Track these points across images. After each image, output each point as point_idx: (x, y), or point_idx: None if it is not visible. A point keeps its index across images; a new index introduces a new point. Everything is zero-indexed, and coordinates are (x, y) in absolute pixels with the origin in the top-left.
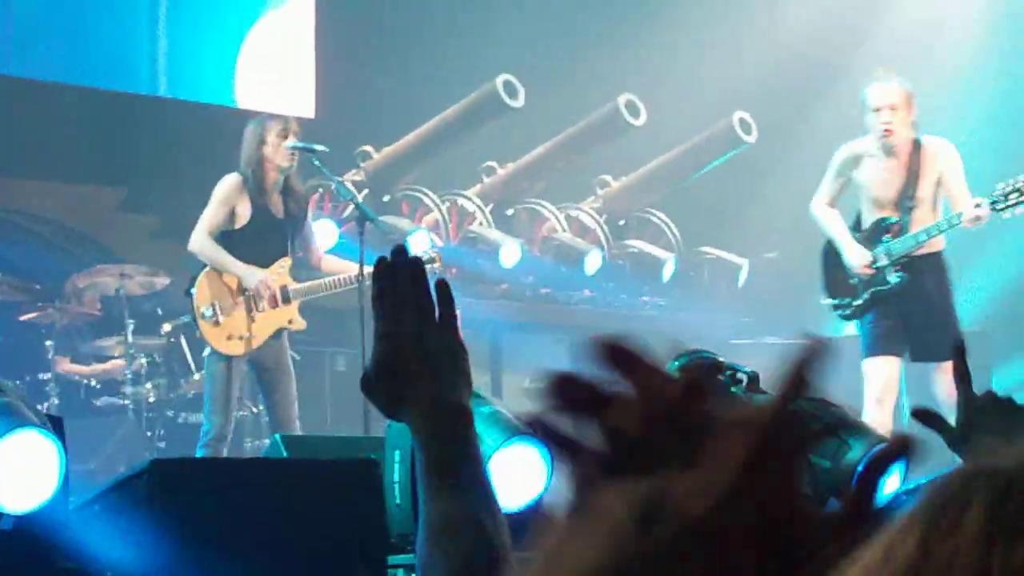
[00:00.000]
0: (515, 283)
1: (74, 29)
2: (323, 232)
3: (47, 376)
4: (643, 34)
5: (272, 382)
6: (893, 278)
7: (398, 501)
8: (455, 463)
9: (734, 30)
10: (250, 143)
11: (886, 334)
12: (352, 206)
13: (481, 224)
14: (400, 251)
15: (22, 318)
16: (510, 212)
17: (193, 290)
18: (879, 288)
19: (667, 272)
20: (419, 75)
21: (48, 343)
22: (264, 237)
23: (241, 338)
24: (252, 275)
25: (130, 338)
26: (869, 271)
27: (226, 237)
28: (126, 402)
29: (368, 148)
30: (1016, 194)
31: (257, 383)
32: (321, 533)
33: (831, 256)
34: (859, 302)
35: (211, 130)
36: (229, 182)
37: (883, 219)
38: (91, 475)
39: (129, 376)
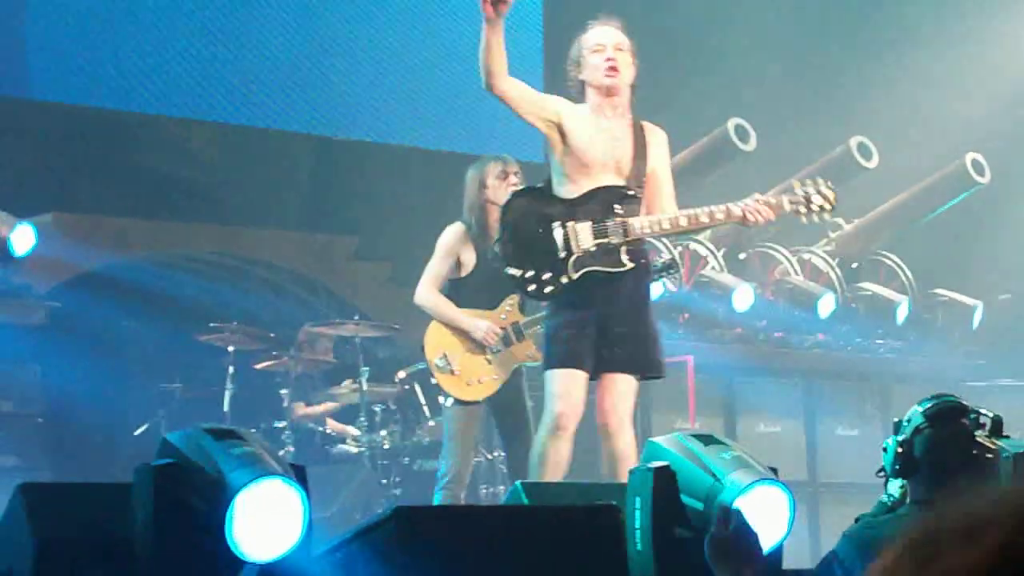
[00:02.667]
0: (748, 327)
1: (303, 79)
2: None
3: (283, 424)
4: (874, 75)
5: (510, 425)
6: (627, 260)
7: (639, 547)
8: None
9: (966, 68)
10: (471, 187)
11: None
12: None
13: (714, 268)
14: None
15: (258, 366)
16: (742, 256)
17: (424, 342)
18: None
19: (901, 315)
20: (649, 118)
21: (284, 391)
22: (491, 280)
23: (480, 382)
24: (477, 327)
25: (364, 385)
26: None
27: (452, 285)
28: (361, 449)
29: None
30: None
31: (496, 427)
32: None
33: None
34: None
35: (442, 176)
36: (452, 232)
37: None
38: (327, 522)
39: (364, 423)
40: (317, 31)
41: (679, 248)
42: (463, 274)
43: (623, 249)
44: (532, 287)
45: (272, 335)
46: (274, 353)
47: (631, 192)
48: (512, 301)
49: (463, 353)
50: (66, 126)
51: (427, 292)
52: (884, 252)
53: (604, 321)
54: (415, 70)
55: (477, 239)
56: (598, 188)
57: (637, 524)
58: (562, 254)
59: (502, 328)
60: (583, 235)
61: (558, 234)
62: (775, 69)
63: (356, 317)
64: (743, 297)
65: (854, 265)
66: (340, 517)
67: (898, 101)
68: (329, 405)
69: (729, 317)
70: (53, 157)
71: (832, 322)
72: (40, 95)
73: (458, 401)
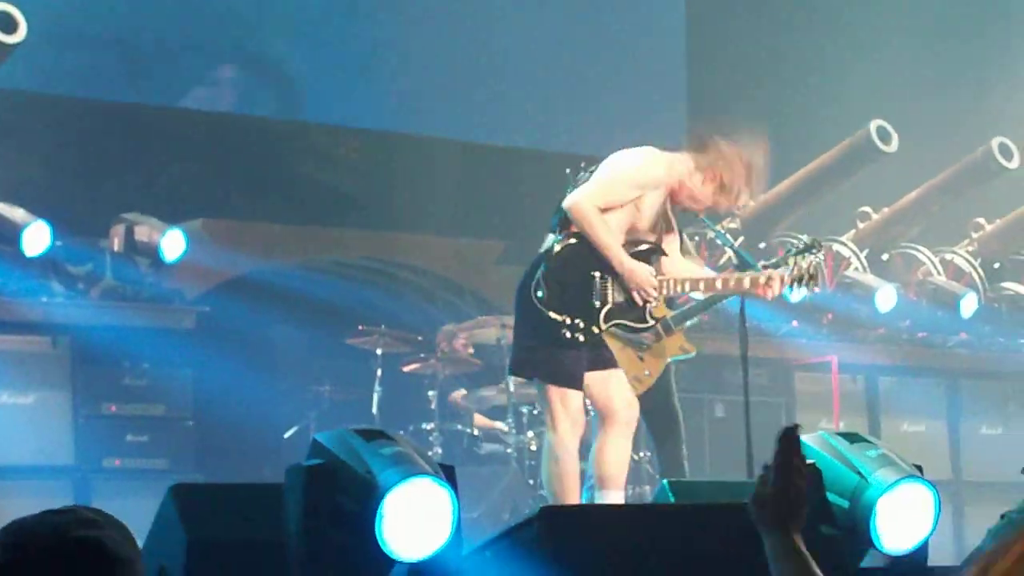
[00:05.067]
0: (891, 327)
1: (450, 84)
2: None
3: (430, 426)
4: (1017, 76)
5: (660, 424)
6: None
7: None
8: None
9: None
10: None
11: None
12: (729, 253)
13: (856, 269)
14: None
15: (405, 369)
16: (885, 257)
17: None
18: None
19: None
20: (792, 120)
21: (431, 393)
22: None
23: (636, 379)
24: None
25: (511, 387)
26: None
27: None
28: (509, 451)
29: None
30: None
31: (646, 426)
32: None
33: None
34: None
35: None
36: None
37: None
38: (475, 523)
39: (512, 424)
40: (463, 37)
41: (823, 250)
42: None
43: (648, 307)
44: (567, 332)
45: (419, 338)
46: (421, 355)
47: (659, 249)
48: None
49: (616, 352)
50: (215, 134)
51: None
52: None
53: None
54: (564, 75)
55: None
56: (636, 247)
57: None
58: (596, 303)
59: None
60: (616, 288)
61: (596, 284)
62: (917, 69)
63: (503, 319)
64: (886, 297)
65: (996, 265)
66: (488, 518)
67: None
68: (486, 392)
69: (872, 317)
70: (203, 164)
71: (975, 322)
72: (189, 104)
73: None
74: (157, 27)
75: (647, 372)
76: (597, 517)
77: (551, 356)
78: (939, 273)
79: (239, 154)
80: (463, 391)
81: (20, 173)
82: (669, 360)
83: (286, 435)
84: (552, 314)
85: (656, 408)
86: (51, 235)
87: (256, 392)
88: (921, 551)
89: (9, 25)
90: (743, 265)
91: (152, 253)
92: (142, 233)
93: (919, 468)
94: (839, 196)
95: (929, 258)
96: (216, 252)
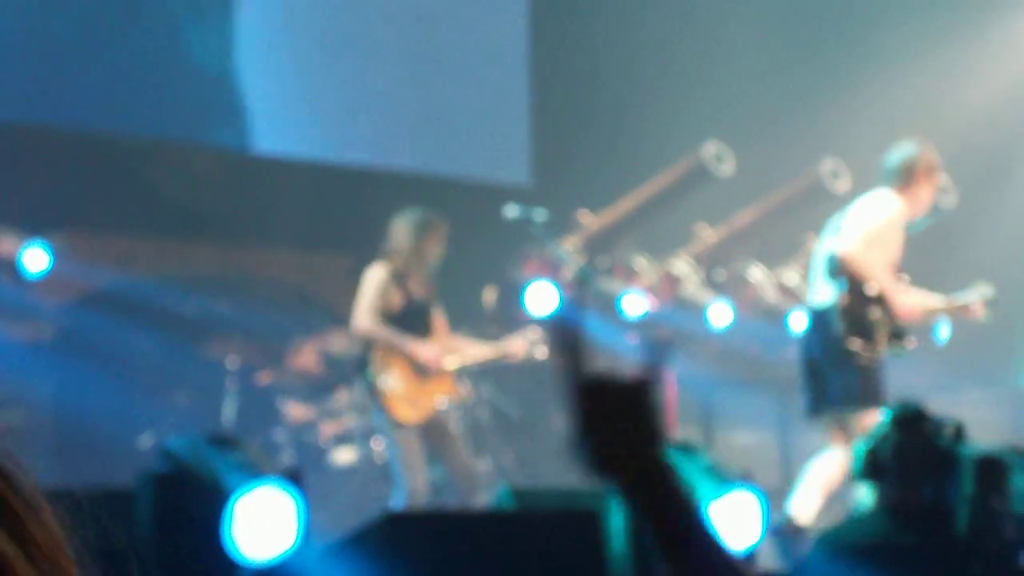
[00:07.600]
0: (725, 343)
1: (303, 105)
2: (545, 295)
3: (281, 436)
4: (845, 97)
5: (441, 448)
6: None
7: (618, 550)
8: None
9: (930, 93)
10: (411, 234)
11: None
12: (570, 270)
13: (692, 286)
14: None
15: (257, 379)
16: (720, 274)
17: (369, 364)
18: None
19: None
20: (634, 136)
21: (281, 404)
22: (415, 319)
23: (419, 406)
24: (422, 351)
25: (358, 397)
26: None
27: (384, 320)
28: (355, 460)
29: (584, 213)
30: None
31: (429, 450)
32: None
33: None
34: None
35: (432, 200)
36: (381, 273)
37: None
38: (321, 530)
39: (357, 434)
40: (312, 59)
41: (660, 267)
42: (392, 312)
43: (905, 338)
44: (865, 356)
45: (271, 349)
46: (272, 365)
47: None
48: (436, 338)
49: (405, 377)
50: (77, 150)
51: (367, 321)
52: None
53: None
54: (407, 94)
55: (404, 281)
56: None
57: (617, 528)
58: (875, 335)
59: (439, 363)
60: (887, 321)
61: (874, 316)
62: (746, 90)
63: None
64: (720, 314)
65: None
66: (334, 526)
67: (871, 122)
68: (335, 400)
69: (707, 334)
70: (62, 179)
71: None
72: (52, 121)
73: (394, 420)
74: (11, 40)
75: (424, 403)
76: (439, 523)
77: (872, 381)
78: (773, 290)
79: (97, 169)
80: (300, 405)
81: None
82: (435, 400)
83: (140, 443)
84: (856, 339)
85: (434, 432)
86: None
87: (114, 401)
88: (750, 557)
89: None
90: (583, 282)
91: (11, 265)
92: (3, 247)
93: (749, 476)
94: (680, 212)
95: (763, 275)
96: (77, 265)
